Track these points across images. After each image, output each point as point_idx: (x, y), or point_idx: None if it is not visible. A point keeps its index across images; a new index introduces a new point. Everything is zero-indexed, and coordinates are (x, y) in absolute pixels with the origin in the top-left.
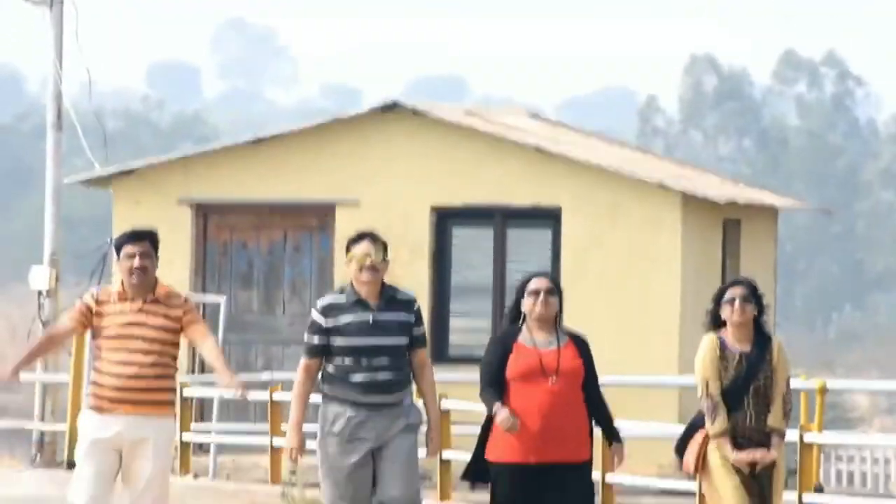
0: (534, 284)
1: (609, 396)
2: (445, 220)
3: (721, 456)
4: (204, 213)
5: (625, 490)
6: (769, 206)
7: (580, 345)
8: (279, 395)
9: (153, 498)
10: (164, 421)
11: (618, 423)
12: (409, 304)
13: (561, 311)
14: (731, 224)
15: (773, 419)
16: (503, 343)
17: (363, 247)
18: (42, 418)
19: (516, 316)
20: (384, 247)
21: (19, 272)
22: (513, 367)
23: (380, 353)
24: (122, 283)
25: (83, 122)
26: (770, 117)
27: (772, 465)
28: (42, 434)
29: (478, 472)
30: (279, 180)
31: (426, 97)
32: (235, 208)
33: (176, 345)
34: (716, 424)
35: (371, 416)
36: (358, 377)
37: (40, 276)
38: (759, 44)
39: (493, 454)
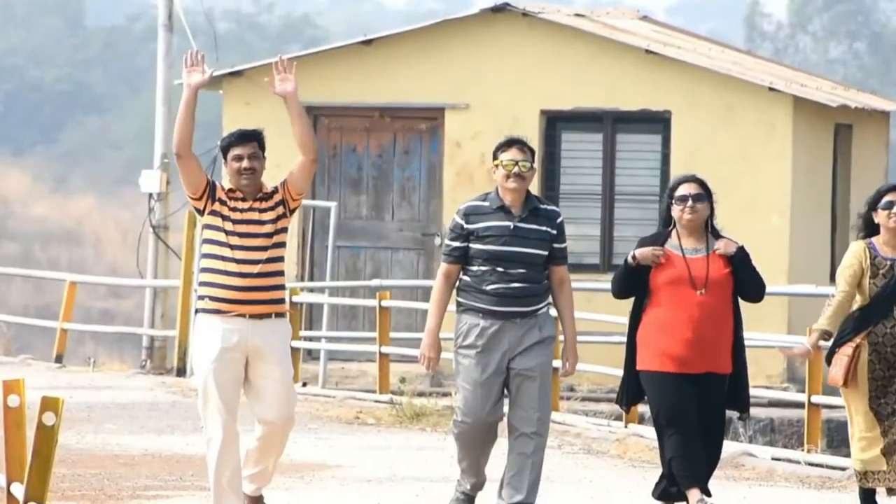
0: (681, 190)
1: None
2: (554, 123)
3: (868, 377)
4: (314, 115)
5: None
6: (881, 111)
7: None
8: (388, 303)
9: (289, 404)
10: (283, 322)
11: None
12: (552, 217)
13: (712, 215)
14: (843, 129)
15: None
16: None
17: (511, 153)
18: (152, 324)
19: (668, 220)
20: (532, 154)
21: (130, 175)
22: (659, 275)
23: (516, 262)
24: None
25: (194, 24)
26: (881, 20)
27: None
28: (152, 339)
29: (630, 395)
30: (388, 83)
31: None
32: (345, 111)
33: (284, 243)
34: (820, 320)
35: (504, 326)
36: (493, 285)
37: (151, 180)
38: None
39: (641, 364)
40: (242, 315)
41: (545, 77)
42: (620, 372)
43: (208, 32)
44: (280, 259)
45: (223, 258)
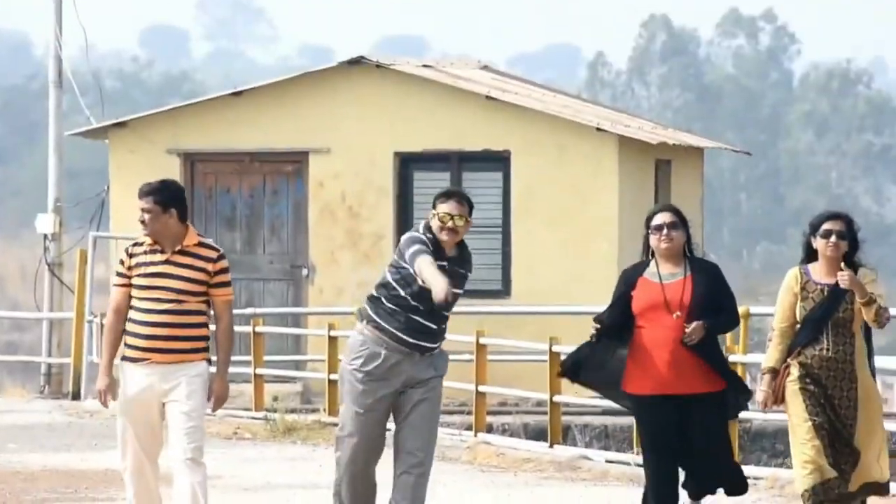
0: (657, 220)
1: (551, 323)
2: (407, 164)
3: (796, 388)
4: (191, 161)
5: (570, 410)
6: (696, 148)
7: (705, 274)
8: (261, 328)
9: (187, 431)
10: (195, 366)
11: (559, 347)
12: (469, 262)
13: (689, 241)
14: (663, 164)
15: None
16: (628, 278)
17: (448, 206)
18: (49, 353)
19: (647, 249)
20: (470, 207)
21: (27, 219)
22: (637, 303)
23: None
24: None
25: (83, 82)
26: (710, 71)
27: (854, 395)
28: (49, 367)
29: (572, 371)
30: (258, 130)
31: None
32: (219, 156)
33: (205, 293)
34: (766, 359)
35: (404, 360)
36: (415, 315)
37: (46, 222)
38: (704, 3)
39: (629, 386)
40: (152, 363)
41: (397, 122)
42: (468, 387)
43: (96, 89)
44: (194, 307)
45: (134, 308)
